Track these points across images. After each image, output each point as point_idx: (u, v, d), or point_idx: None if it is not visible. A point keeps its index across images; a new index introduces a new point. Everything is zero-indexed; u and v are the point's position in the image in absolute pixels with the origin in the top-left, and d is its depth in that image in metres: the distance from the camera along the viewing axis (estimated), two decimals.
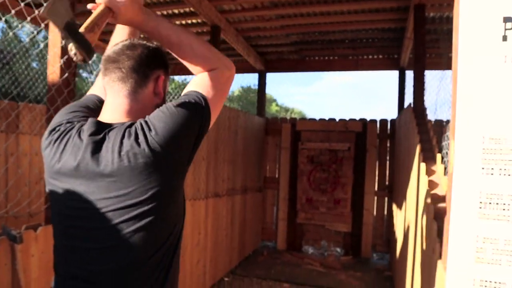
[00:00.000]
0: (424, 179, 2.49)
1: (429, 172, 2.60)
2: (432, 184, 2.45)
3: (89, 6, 1.30)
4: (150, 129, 1.12)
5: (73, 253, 1.19)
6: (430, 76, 4.33)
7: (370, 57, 6.12)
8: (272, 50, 6.07)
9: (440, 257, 1.28)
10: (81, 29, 1.21)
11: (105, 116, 1.24)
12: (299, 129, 6.14)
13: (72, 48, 1.17)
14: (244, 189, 5.49)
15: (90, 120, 1.20)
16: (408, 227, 3.33)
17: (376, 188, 5.98)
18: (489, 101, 0.77)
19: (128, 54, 1.23)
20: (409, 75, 5.50)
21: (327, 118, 6.15)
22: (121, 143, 1.11)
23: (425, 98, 3.87)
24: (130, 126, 1.14)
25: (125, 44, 1.26)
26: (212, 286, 4.46)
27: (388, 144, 5.98)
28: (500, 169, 0.76)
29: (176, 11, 4.55)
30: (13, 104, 4.16)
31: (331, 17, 4.55)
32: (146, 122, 1.14)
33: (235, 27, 4.96)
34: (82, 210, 1.15)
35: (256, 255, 5.92)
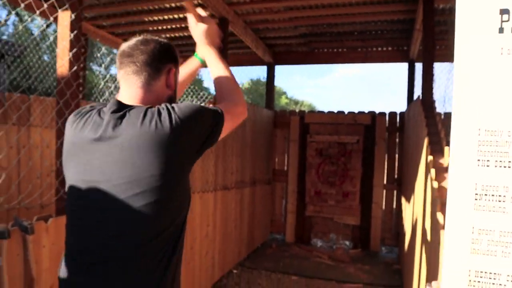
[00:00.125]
0: (432, 172, 2.48)
1: (437, 165, 2.60)
2: (439, 177, 2.44)
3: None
4: (174, 110, 1.23)
5: (82, 226, 1.25)
6: (440, 68, 4.30)
7: (379, 49, 6.08)
8: (281, 42, 6.06)
9: None
10: None
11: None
12: (308, 122, 6.14)
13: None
14: (252, 181, 5.51)
15: (112, 99, 1.32)
16: (416, 220, 3.33)
17: (385, 181, 5.96)
18: (485, 93, 0.77)
19: (141, 49, 1.33)
20: (419, 67, 5.45)
21: (335, 111, 6.13)
22: (143, 118, 1.20)
23: (434, 90, 3.84)
24: (151, 107, 1.25)
25: (139, 39, 1.36)
26: (221, 278, 4.50)
27: (397, 137, 5.95)
28: (496, 161, 0.76)
29: (184, 3, 4.56)
30: (24, 97, 4.21)
31: (340, 9, 4.52)
32: (170, 105, 1.26)
33: (243, 19, 4.96)
34: (96, 183, 1.22)
35: (265, 247, 5.95)
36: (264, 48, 6.06)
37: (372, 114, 5.92)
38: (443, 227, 1.83)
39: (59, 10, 2.26)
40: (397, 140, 5.96)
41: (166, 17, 4.95)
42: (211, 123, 1.33)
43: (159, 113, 1.21)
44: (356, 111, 6.03)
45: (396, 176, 5.99)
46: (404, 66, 6.09)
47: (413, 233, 3.56)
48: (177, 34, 5.66)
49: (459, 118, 0.79)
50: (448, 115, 5.20)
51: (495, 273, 0.77)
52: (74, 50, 2.26)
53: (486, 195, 0.78)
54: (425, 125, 3.15)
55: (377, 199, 5.86)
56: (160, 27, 5.37)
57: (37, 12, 2.31)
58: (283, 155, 6.55)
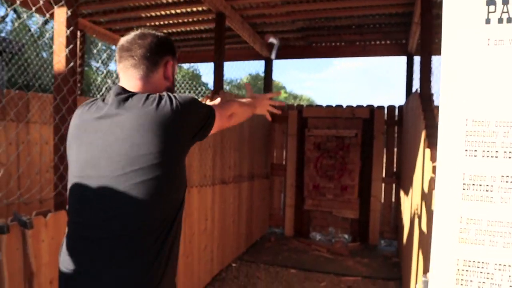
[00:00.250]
0: (429, 165, 2.49)
1: (434, 158, 2.60)
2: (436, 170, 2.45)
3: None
4: (175, 97, 1.31)
5: (83, 201, 1.30)
6: (438, 61, 4.29)
7: (378, 42, 6.07)
8: (279, 36, 6.04)
9: None
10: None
11: None
12: (306, 116, 6.14)
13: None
14: (251, 176, 5.52)
15: (116, 85, 1.40)
16: (414, 213, 3.34)
17: (383, 175, 5.98)
18: (472, 84, 0.78)
19: (139, 43, 1.40)
20: (417, 60, 5.45)
21: (334, 105, 6.14)
22: (145, 100, 1.28)
23: (432, 84, 3.84)
24: (152, 94, 1.33)
25: (136, 34, 1.43)
26: (220, 272, 4.53)
27: (396, 131, 5.95)
28: (483, 151, 0.77)
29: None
30: (22, 93, 4.20)
31: (337, 2, 4.51)
32: (171, 93, 1.35)
33: (241, 14, 4.95)
34: (97, 160, 1.27)
35: (264, 241, 5.97)
36: (261, 42, 6.05)
37: (370, 108, 5.92)
38: None
39: (55, 7, 2.26)
40: (395, 133, 5.96)
41: (163, 12, 4.94)
42: (205, 115, 1.42)
43: (160, 98, 1.29)
44: (354, 105, 6.03)
45: (394, 169, 6.00)
46: (403, 59, 6.09)
47: (411, 226, 3.58)
48: (173, 30, 5.65)
49: (447, 108, 0.80)
50: None
51: (483, 262, 0.78)
52: (71, 46, 2.26)
53: (473, 185, 0.79)
54: (422, 118, 3.16)
55: (375, 192, 5.88)
56: (157, 23, 5.36)
57: (33, 8, 2.31)
58: (281, 149, 6.56)
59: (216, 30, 4.54)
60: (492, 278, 0.78)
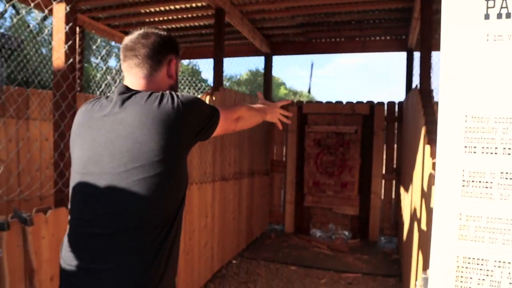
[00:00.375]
0: (429, 161, 2.49)
1: (434, 155, 2.60)
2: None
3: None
4: (177, 96, 1.33)
5: (85, 198, 1.32)
6: (438, 57, 4.29)
7: (378, 38, 6.05)
8: (278, 32, 6.03)
9: None
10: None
11: None
12: (306, 112, 6.14)
13: None
14: (251, 172, 5.52)
15: (120, 84, 1.42)
16: (414, 210, 3.34)
17: (383, 171, 5.98)
18: (471, 79, 0.78)
19: (142, 43, 1.42)
20: (417, 56, 5.44)
21: (334, 101, 6.13)
22: (148, 98, 1.30)
23: (432, 79, 3.84)
24: (155, 92, 1.35)
25: (140, 33, 1.45)
26: (220, 269, 4.53)
27: (396, 127, 5.95)
28: (483, 147, 0.77)
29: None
30: (22, 90, 4.20)
31: None
32: (175, 91, 1.40)
33: (240, 9, 4.93)
34: (99, 157, 1.29)
35: (264, 238, 5.98)
36: (261, 38, 6.04)
37: (370, 104, 5.91)
38: None
39: (54, 3, 2.25)
40: (395, 129, 5.96)
41: (162, 8, 4.92)
42: (208, 115, 1.43)
43: (163, 96, 1.31)
44: (354, 101, 6.02)
45: (395, 166, 6.00)
46: (403, 55, 6.07)
47: (411, 223, 3.58)
48: (173, 26, 5.63)
49: (446, 105, 0.80)
50: None
51: (482, 259, 0.78)
52: (70, 42, 2.25)
53: (473, 181, 0.78)
54: (422, 114, 3.16)
55: (375, 189, 5.88)
56: (156, 19, 5.34)
57: (32, 4, 2.30)
58: (281, 145, 6.56)
59: (216, 26, 4.53)
60: (491, 275, 0.77)
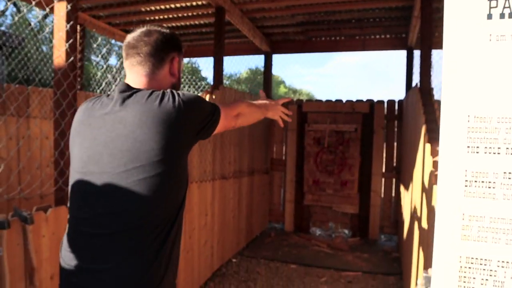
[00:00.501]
0: (429, 160, 2.49)
1: (434, 153, 2.60)
2: (437, 165, 2.44)
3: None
4: (178, 95, 1.32)
5: (85, 197, 1.31)
6: (438, 55, 4.28)
7: (378, 36, 6.04)
8: (278, 31, 6.02)
9: None
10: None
11: None
12: (306, 111, 6.13)
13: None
14: (251, 171, 5.52)
15: (121, 82, 1.41)
16: (414, 208, 3.35)
17: (383, 170, 5.98)
18: (474, 80, 0.78)
19: (145, 41, 1.41)
20: (417, 54, 5.43)
21: (333, 99, 6.12)
22: (148, 97, 1.29)
23: (432, 78, 3.84)
24: (156, 90, 1.34)
25: (142, 31, 1.44)
26: (220, 267, 4.54)
27: (396, 125, 5.95)
28: (486, 147, 0.77)
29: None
30: (23, 88, 4.20)
31: None
32: (177, 89, 1.40)
33: (240, 8, 4.92)
34: (99, 156, 1.28)
35: (264, 236, 5.99)
36: (261, 37, 6.04)
37: (370, 102, 5.91)
38: None
39: (55, 1, 2.25)
40: (395, 128, 5.96)
41: (162, 6, 4.92)
42: (209, 114, 1.41)
43: (164, 94, 1.30)
44: (354, 100, 6.02)
45: (395, 164, 6.00)
46: (402, 53, 6.07)
47: (411, 221, 3.59)
48: (173, 24, 5.62)
49: (448, 105, 0.80)
50: None
51: (485, 259, 0.78)
52: (71, 41, 2.25)
53: (476, 181, 0.78)
54: (422, 112, 3.16)
55: (375, 187, 5.88)
56: (156, 17, 5.34)
57: (33, 2, 2.30)
58: (281, 144, 6.56)
59: (216, 25, 4.52)
60: (495, 275, 0.77)
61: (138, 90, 1.34)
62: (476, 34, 0.78)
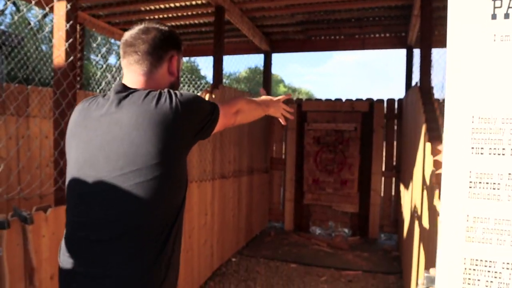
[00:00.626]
0: (430, 159, 2.49)
1: (435, 152, 2.60)
2: (437, 164, 2.45)
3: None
4: (176, 95, 1.28)
5: (81, 201, 1.28)
6: (438, 54, 4.28)
7: (377, 35, 6.04)
8: (278, 30, 6.02)
9: None
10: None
11: None
12: (305, 110, 6.13)
13: None
14: (250, 170, 5.52)
15: (117, 82, 1.37)
16: (415, 207, 3.35)
17: (383, 169, 5.98)
18: (478, 80, 0.77)
19: (143, 38, 1.36)
20: (417, 53, 5.43)
21: (333, 99, 6.12)
22: (145, 98, 1.25)
23: (432, 76, 3.83)
24: (153, 90, 1.30)
25: (140, 28, 1.39)
26: (220, 267, 4.53)
27: (396, 124, 5.94)
28: (490, 148, 0.76)
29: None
30: (22, 87, 4.19)
31: None
32: (173, 90, 1.32)
33: (240, 7, 4.92)
34: (95, 160, 1.25)
35: (264, 235, 5.98)
36: (260, 36, 6.03)
37: (370, 101, 5.91)
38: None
39: (55, 0, 2.24)
40: (395, 127, 5.95)
41: (162, 6, 4.91)
42: (208, 113, 1.37)
43: (160, 95, 1.26)
44: (353, 99, 6.02)
45: (394, 163, 6.00)
46: (401, 52, 6.07)
47: (411, 220, 3.58)
48: (173, 23, 5.62)
49: (452, 105, 0.79)
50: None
51: (490, 261, 0.77)
52: (70, 40, 2.24)
53: (480, 183, 0.78)
54: (423, 111, 3.15)
55: (375, 186, 5.88)
56: (156, 16, 5.33)
57: (33, 2, 2.29)
58: (281, 143, 6.56)
59: (216, 24, 4.52)
60: (500, 277, 0.77)
61: (134, 90, 1.31)
62: (480, 34, 0.77)
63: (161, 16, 5.32)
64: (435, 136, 2.80)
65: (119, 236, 1.21)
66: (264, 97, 1.85)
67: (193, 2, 4.76)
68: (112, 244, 1.22)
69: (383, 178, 5.98)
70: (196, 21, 5.56)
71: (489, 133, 0.77)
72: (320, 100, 6.30)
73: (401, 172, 5.57)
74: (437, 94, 3.66)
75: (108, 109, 1.27)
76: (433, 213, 2.12)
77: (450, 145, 0.79)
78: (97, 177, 1.24)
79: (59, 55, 2.25)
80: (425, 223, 2.53)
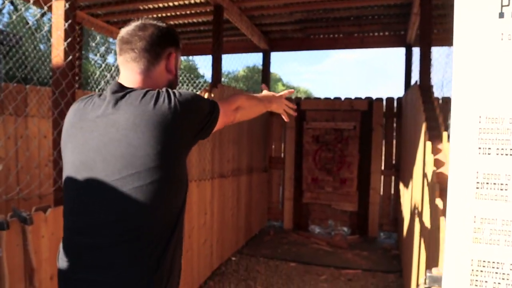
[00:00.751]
0: (430, 158, 2.48)
1: (435, 151, 2.60)
2: (438, 163, 2.45)
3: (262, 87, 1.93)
4: (174, 94, 1.24)
5: (79, 205, 1.25)
6: (437, 53, 4.28)
7: (376, 34, 6.03)
8: (276, 29, 6.01)
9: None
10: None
11: None
12: (304, 109, 6.12)
13: None
14: (249, 169, 5.51)
15: (114, 81, 1.33)
16: (415, 206, 3.34)
17: (382, 167, 5.97)
18: (485, 80, 0.76)
19: (139, 35, 1.32)
20: (416, 52, 5.43)
21: (332, 97, 6.11)
22: (142, 98, 1.21)
23: (432, 75, 3.83)
24: (151, 90, 1.25)
25: (137, 25, 1.34)
26: (220, 266, 4.53)
27: (395, 123, 5.94)
28: (497, 148, 0.75)
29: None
30: (21, 87, 4.18)
31: None
32: (171, 89, 1.28)
33: (238, 6, 4.91)
34: (92, 162, 1.21)
35: (263, 234, 5.98)
36: (259, 35, 6.02)
37: (369, 100, 5.90)
38: (442, 213, 1.84)
39: None
40: (394, 125, 5.95)
41: (161, 4, 4.90)
42: (208, 112, 1.33)
43: (158, 95, 1.22)
44: (352, 97, 6.01)
45: (394, 161, 5.99)
46: (400, 50, 6.07)
47: (411, 219, 3.58)
48: (171, 22, 5.60)
49: (459, 105, 0.78)
50: (446, 100, 5.19)
51: (498, 262, 0.76)
52: (69, 39, 2.23)
53: (487, 183, 0.77)
54: (422, 110, 3.15)
55: (374, 185, 5.88)
56: (155, 15, 5.31)
57: (31, 1, 2.27)
58: (280, 142, 6.55)
59: (214, 23, 4.51)
60: (507, 279, 0.76)
61: (131, 90, 1.26)
62: (487, 33, 0.76)
63: (159, 15, 5.30)
64: (435, 134, 2.79)
65: (118, 241, 1.18)
66: (266, 93, 1.80)
67: (192, 1, 4.75)
68: (111, 249, 1.18)
69: (382, 177, 5.98)
70: (195, 20, 5.55)
71: (497, 133, 0.76)
72: (319, 98, 6.29)
73: (400, 170, 5.57)
74: (436, 93, 3.66)
75: (105, 110, 1.23)
76: (434, 212, 2.12)
77: (457, 145, 0.78)
78: (95, 180, 1.20)
79: (57, 55, 2.24)
80: (426, 221, 2.53)
